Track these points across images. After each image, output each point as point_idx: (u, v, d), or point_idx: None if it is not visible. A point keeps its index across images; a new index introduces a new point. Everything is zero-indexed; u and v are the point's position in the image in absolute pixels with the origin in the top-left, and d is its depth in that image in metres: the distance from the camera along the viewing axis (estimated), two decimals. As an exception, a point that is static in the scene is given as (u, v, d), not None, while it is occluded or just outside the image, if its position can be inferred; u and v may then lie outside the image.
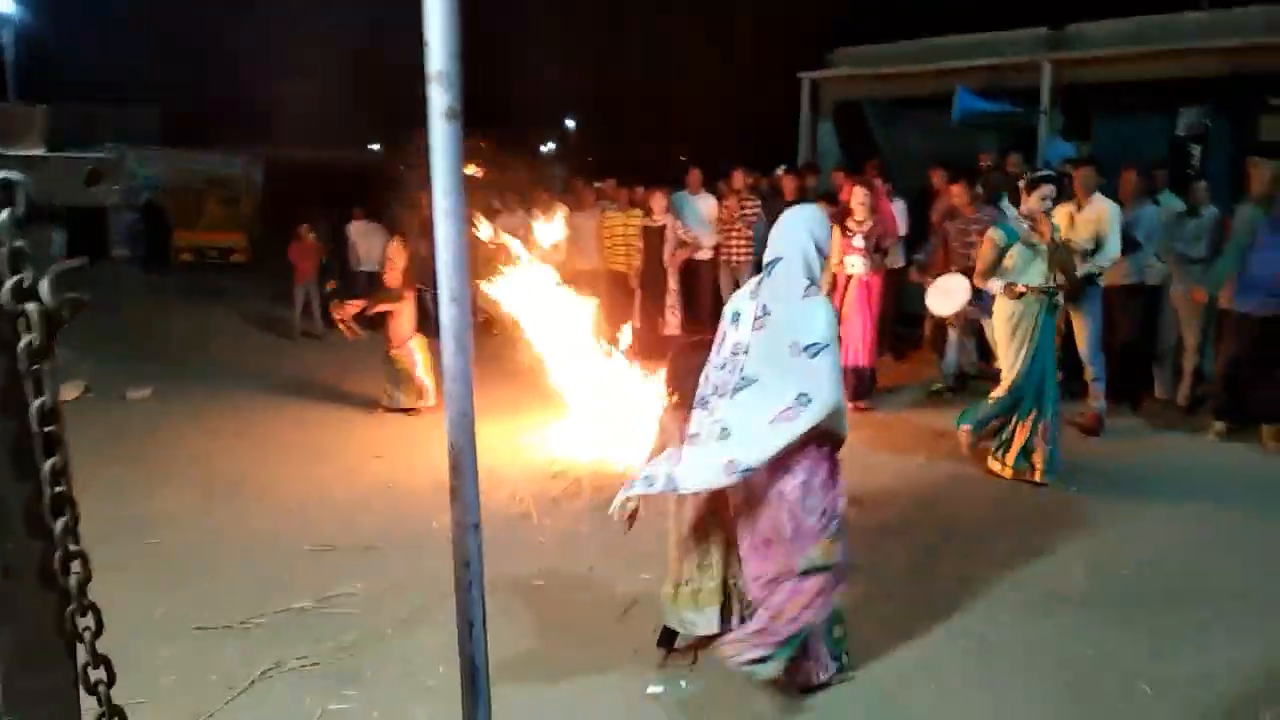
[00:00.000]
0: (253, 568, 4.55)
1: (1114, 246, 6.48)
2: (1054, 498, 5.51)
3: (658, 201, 9.50)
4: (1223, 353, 6.67)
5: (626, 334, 7.35)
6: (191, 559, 4.68)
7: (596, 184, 10.71)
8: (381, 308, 7.52)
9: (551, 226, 8.84)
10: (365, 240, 11.34)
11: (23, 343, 1.12)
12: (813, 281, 3.30)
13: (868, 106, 11.95)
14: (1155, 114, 9.99)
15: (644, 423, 6.41)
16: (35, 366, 1.13)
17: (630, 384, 6.75)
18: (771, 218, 9.93)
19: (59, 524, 1.15)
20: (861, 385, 7.40)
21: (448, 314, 1.70)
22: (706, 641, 3.67)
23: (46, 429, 1.14)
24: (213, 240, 17.61)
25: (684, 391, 3.57)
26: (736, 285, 9.84)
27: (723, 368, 3.35)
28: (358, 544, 4.83)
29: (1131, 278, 7.21)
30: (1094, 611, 4.10)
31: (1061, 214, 6.92)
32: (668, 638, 3.71)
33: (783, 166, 10.64)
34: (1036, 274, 5.74)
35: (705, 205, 9.91)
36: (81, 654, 1.19)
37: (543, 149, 23.32)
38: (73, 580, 1.16)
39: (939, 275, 7.40)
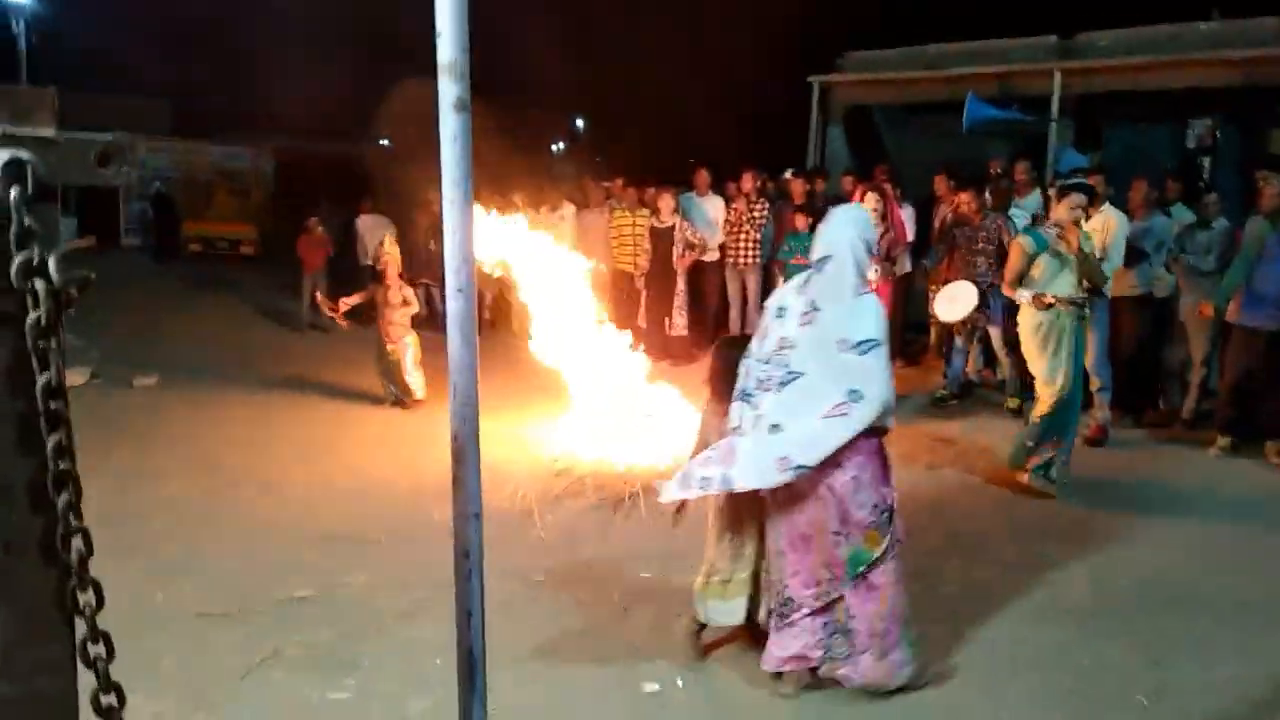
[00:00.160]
0: (254, 556, 4.57)
1: (1116, 259, 6.46)
2: (1057, 508, 5.50)
3: (665, 202, 9.50)
4: (1229, 367, 6.64)
5: (632, 333, 7.35)
6: (194, 546, 4.69)
7: (605, 183, 10.71)
8: (358, 299, 7.61)
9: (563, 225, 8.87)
10: (373, 233, 11.36)
11: (30, 319, 1.13)
12: (863, 279, 3.35)
13: (877, 112, 11.95)
14: (1165, 124, 9.98)
15: (646, 422, 6.44)
16: (42, 343, 1.14)
17: (634, 383, 6.75)
18: (779, 222, 9.96)
19: (61, 500, 1.16)
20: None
21: (454, 305, 1.72)
22: (731, 636, 3.69)
23: (51, 405, 1.15)
24: (222, 231, 17.68)
25: (727, 386, 3.60)
26: (744, 287, 9.87)
27: (767, 362, 3.38)
28: (359, 535, 4.84)
29: (1139, 289, 7.19)
30: (1094, 621, 4.09)
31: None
32: (699, 628, 3.72)
33: (790, 170, 10.62)
34: (1065, 284, 5.56)
35: (712, 207, 9.92)
36: (81, 629, 1.20)
37: (553, 148, 23.38)
38: (74, 556, 1.17)
39: (946, 282, 7.39)
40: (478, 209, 6.84)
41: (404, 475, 5.87)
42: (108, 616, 1.23)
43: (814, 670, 3.42)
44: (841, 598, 3.35)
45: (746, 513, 3.55)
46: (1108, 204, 6.74)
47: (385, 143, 16.97)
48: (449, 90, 1.64)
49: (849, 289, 3.30)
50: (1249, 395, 6.48)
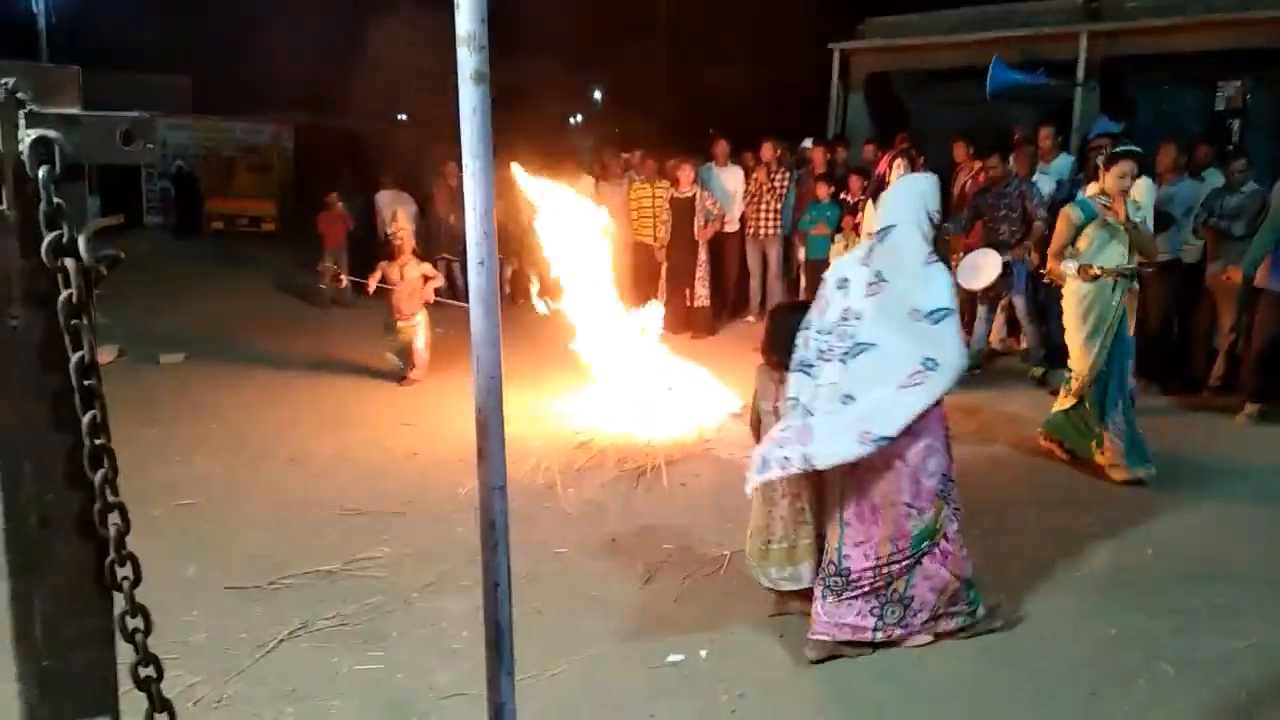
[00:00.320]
0: (282, 530, 4.63)
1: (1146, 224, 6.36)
2: (1078, 478, 5.47)
3: (685, 173, 9.44)
4: (1257, 333, 6.55)
5: (653, 305, 7.34)
6: (222, 521, 4.76)
7: (624, 155, 10.66)
8: (375, 279, 7.62)
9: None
10: (393, 208, 11.37)
11: (61, 297, 1.14)
12: (930, 247, 3.36)
13: (899, 79, 11.79)
14: (1194, 86, 9.79)
15: (667, 395, 6.45)
16: (74, 321, 1.15)
17: (655, 355, 6.76)
18: (800, 192, 9.88)
19: (98, 476, 1.18)
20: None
21: (475, 278, 1.72)
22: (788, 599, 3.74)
23: (85, 383, 1.16)
24: (243, 208, 17.72)
25: (782, 352, 3.62)
26: (764, 258, 9.81)
27: (829, 333, 3.39)
28: (385, 509, 4.90)
29: (1167, 255, 7.09)
30: (1118, 591, 4.08)
31: (1095, 189, 6.81)
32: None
33: (810, 139, 10.52)
34: (1114, 256, 5.33)
35: (731, 177, 9.84)
36: (120, 603, 1.22)
37: (571, 120, 23.24)
38: (111, 530, 1.19)
39: (968, 250, 7.32)
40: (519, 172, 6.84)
41: (426, 449, 5.92)
42: (142, 590, 1.26)
43: (865, 643, 3.45)
44: (900, 574, 3.37)
45: (804, 476, 3.54)
46: (1135, 169, 6.63)
47: (403, 117, 16.94)
48: (468, 62, 1.63)
49: (917, 258, 3.32)
50: (1277, 361, 6.40)
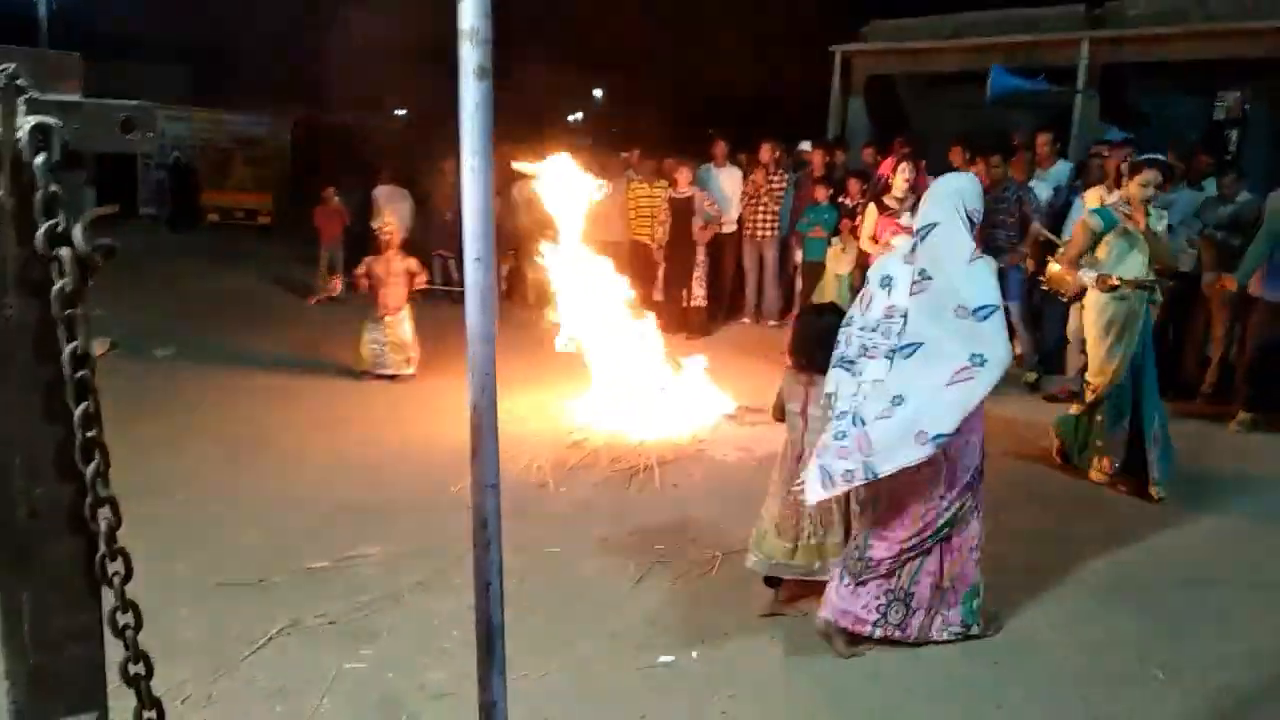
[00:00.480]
0: (273, 527, 4.61)
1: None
2: (1071, 482, 5.47)
3: (683, 174, 9.43)
4: (1250, 342, 6.58)
5: (650, 305, 7.33)
6: (213, 517, 4.73)
7: (622, 154, 10.64)
8: (363, 276, 7.57)
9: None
10: (391, 204, 11.33)
11: (56, 287, 1.13)
12: (974, 245, 3.37)
13: (900, 82, 11.80)
14: (1193, 95, 9.82)
15: (660, 396, 6.44)
16: (68, 311, 1.13)
17: (649, 356, 6.74)
18: (799, 193, 9.88)
19: (89, 469, 1.16)
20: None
21: (472, 274, 1.70)
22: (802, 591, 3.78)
23: (78, 374, 1.14)
24: (240, 201, 17.66)
25: (810, 355, 3.63)
26: (761, 259, 9.81)
27: (874, 330, 3.40)
28: (376, 507, 4.87)
29: (1187, 266, 7.07)
30: (1109, 595, 4.09)
31: (1093, 196, 6.82)
32: (774, 582, 3.83)
33: (808, 141, 10.51)
34: (1134, 266, 5.20)
35: (729, 178, 9.84)
36: (109, 599, 1.21)
37: (570, 119, 23.23)
38: (102, 525, 1.18)
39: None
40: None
41: (418, 446, 5.90)
42: (131, 587, 1.24)
43: (861, 636, 3.49)
44: (913, 559, 3.40)
45: None
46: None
47: (402, 112, 16.91)
48: (470, 56, 1.62)
49: (961, 255, 3.32)
50: (1270, 370, 6.42)
